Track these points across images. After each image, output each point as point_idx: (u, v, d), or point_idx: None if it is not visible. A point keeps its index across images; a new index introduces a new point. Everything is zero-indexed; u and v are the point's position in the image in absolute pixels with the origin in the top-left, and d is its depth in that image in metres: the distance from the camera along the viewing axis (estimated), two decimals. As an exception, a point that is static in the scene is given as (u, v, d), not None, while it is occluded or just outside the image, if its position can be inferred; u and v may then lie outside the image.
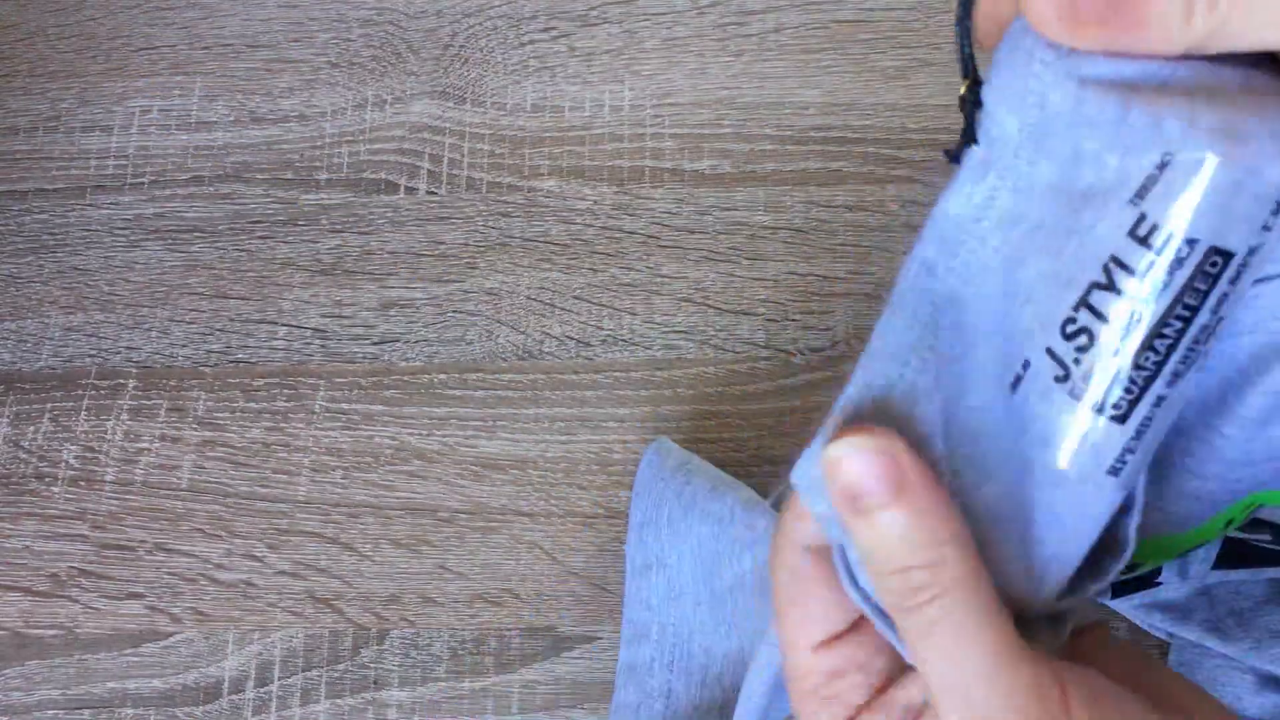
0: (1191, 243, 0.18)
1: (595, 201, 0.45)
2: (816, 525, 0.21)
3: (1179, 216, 0.18)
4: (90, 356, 0.44)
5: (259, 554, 0.40)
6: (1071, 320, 0.19)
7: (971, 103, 0.19)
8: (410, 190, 0.46)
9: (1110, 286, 0.18)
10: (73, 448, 0.42)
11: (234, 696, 0.38)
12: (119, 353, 0.44)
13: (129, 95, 0.48)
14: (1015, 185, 0.19)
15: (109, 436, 0.42)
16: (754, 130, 0.46)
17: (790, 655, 0.22)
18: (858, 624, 0.22)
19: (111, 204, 0.46)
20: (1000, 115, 0.19)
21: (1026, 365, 0.19)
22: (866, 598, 0.21)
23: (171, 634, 0.39)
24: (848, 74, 0.47)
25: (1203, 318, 0.19)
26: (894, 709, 0.21)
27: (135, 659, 0.39)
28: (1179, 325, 0.18)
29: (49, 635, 0.40)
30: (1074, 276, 0.18)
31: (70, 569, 0.40)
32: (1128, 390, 0.19)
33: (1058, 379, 0.19)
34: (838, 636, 0.22)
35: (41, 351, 0.44)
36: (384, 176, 0.46)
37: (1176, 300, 0.18)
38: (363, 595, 0.40)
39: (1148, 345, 0.18)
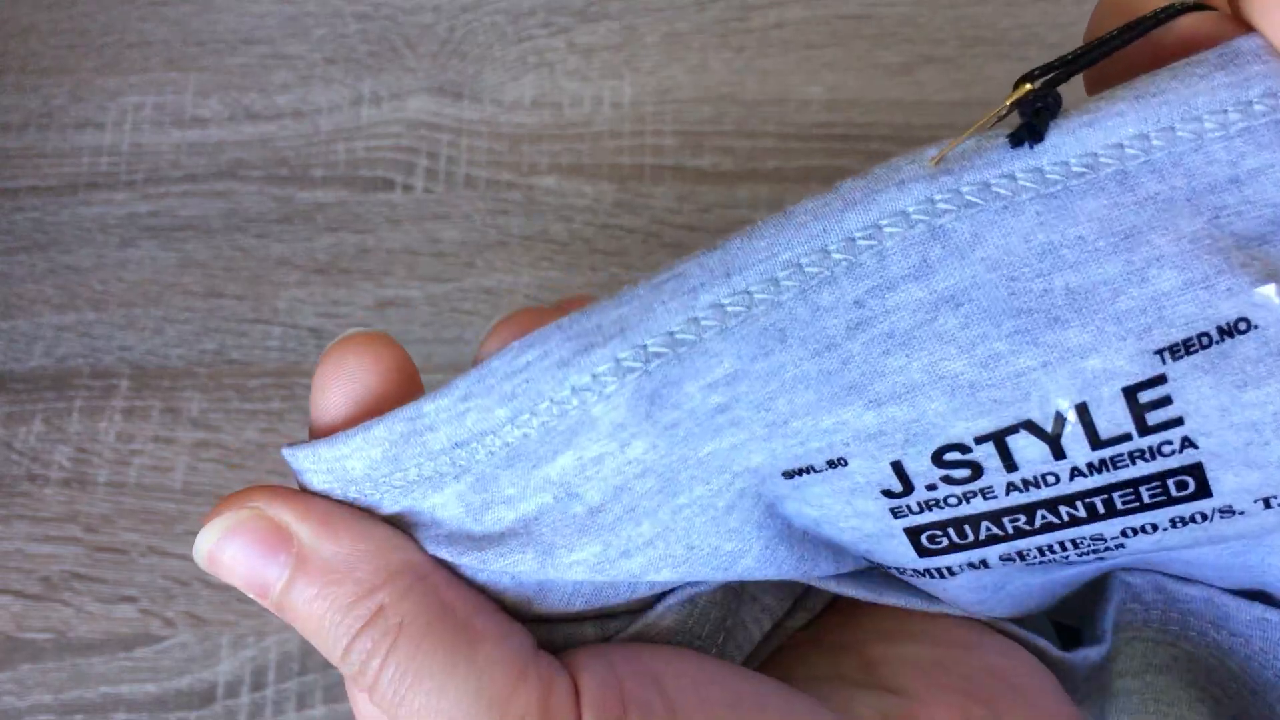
0: (1188, 445, 0.14)
1: (595, 199, 0.44)
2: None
3: (1213, 411, 0.14)
4: (83, 356, 0.43)
5: (254, 557, 0.40)
6: (961, 449, 0.15)
7: (1040, 103, 0.14)
8: (407, 188, 0.45)
9: (1048, 437, 0.14)
10: (65, 449, 0.42)
11: (228, 701, 0.38)
12: (112, 353, 0.43)
13: (122, 92, 0.48)
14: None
15: (102, 437, 0.42)
16: (756, 127, 0.45)
17: None
18: None
19: (104, 202, 0.46)
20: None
21: (840, 462, 0.16)
22: None
23: (165, 638, 0.39)
24: (851, 70, 0.46)
25: (1102, 528, 0.16)
26: None
27: (128, 663, 0.39)
28: (1080, 515, 0.15)
29: (41, 639, 0.39)
30: (1001, 402, 0.14)
31: (62, 572, 0.40)
32: (958, 534, 0.16)
33: (887, 493, 0.16)
34: None
35: (33, 351, 0.43)
36: (380, 174, 0.45)
37: (1102, 491, 0.15)
38: (359, 599, 0.39)
39: (1026, 510, 0.16)
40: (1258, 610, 0.20)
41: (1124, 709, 0.22)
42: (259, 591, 0.16)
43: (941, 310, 0.14)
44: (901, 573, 0.18)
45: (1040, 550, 0.16)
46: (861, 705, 0.18)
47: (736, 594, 0.20)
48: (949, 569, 0.17)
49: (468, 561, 0.17)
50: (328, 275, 0.44)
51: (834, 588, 0.19)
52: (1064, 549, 0.16)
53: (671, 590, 0.18)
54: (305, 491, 0.17)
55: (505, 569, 0.16)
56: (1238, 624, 0.20)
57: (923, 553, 0.17)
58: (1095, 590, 0.22)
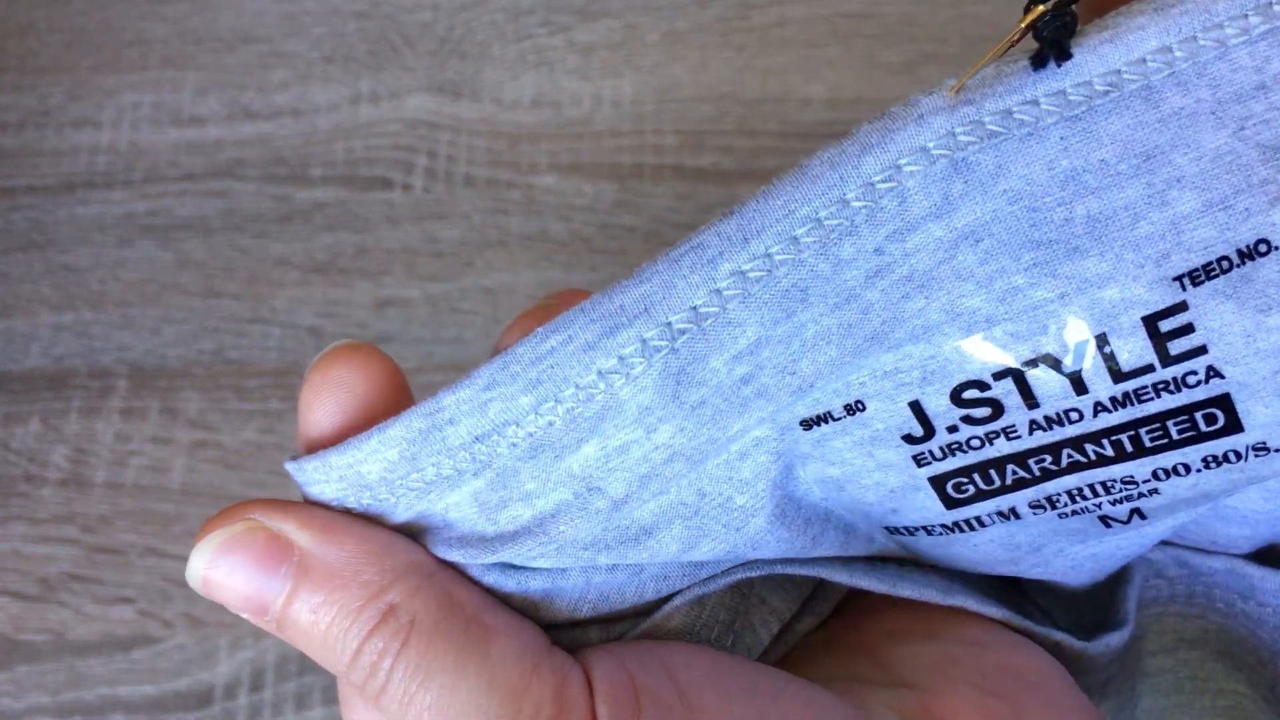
0: (1214, 374, 0.14)
1: (595, 198, 0.44)
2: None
3: (1238, 338, 0.13)
4: (80, 356, 0.43)
5: (252, 558, 0.40)
6: (980, 386, 0.15)
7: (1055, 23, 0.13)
8: (406, 187, 0.45)
9: (1068, 371, 0.14)
10: (62, 449, 0.41)
11: (227, 703, 0.38)
12: (109, 353, 0.43)
13: (120, 90, 0.48)
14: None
15: (99, 438, 0.42)
16: (757, 126, 0.45)
17: None
18: None
19: (102, 201, 0.46)
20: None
21: (858, 407, 0.15)
22: None
23: (163, 639, 0.39)
24: (852, 68, 0.46)
25: (1133, 469, 0.15)
26: None
27: (126, 664, 0.38)
28: (1109, 454, 0.15)
29: (39, 640, 0.39)
30: (1020, 335, 0.14)
31: (60, 573, 0.40)
32: (984, 480, 0.16)
33: (908, 438, 0.15)
34: None
35: (30, 351, 0.43)
36: (379, 173, 0.45)
37: (1130, 426, 0.14)
38: (358, 600, 0.39)
39: (1053, 449, 0.15)
40: None
41: (1159, 688, 0.21)
42: (256, 610, 0.16)
43: (961, 247, 0.14)
44: (930, 532, 0.17)
45: (1071, 495, 0.16)
46: (877, 701, 0.18)
47: (744, 596, 0.20)
48: (978, 520, 0.16)
49: (478, 564, 0.16)
50: (326, 275, 0.44)
51: (846, 579, 0.19)
52: (1095, 494, 0.16)
53: (679, 592, 0.18)
54: (304, 501, 0.16)
55: (515, 561, 0.16)
56: (1264, 593, 0.19)
57: (950, 504, 0.16)
58: (1114, 576, 0.22)
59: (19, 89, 0.48)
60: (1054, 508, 0.16)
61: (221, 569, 0.15)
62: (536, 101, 0.46)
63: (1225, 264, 0.13)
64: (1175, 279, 0.13)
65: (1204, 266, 0.13)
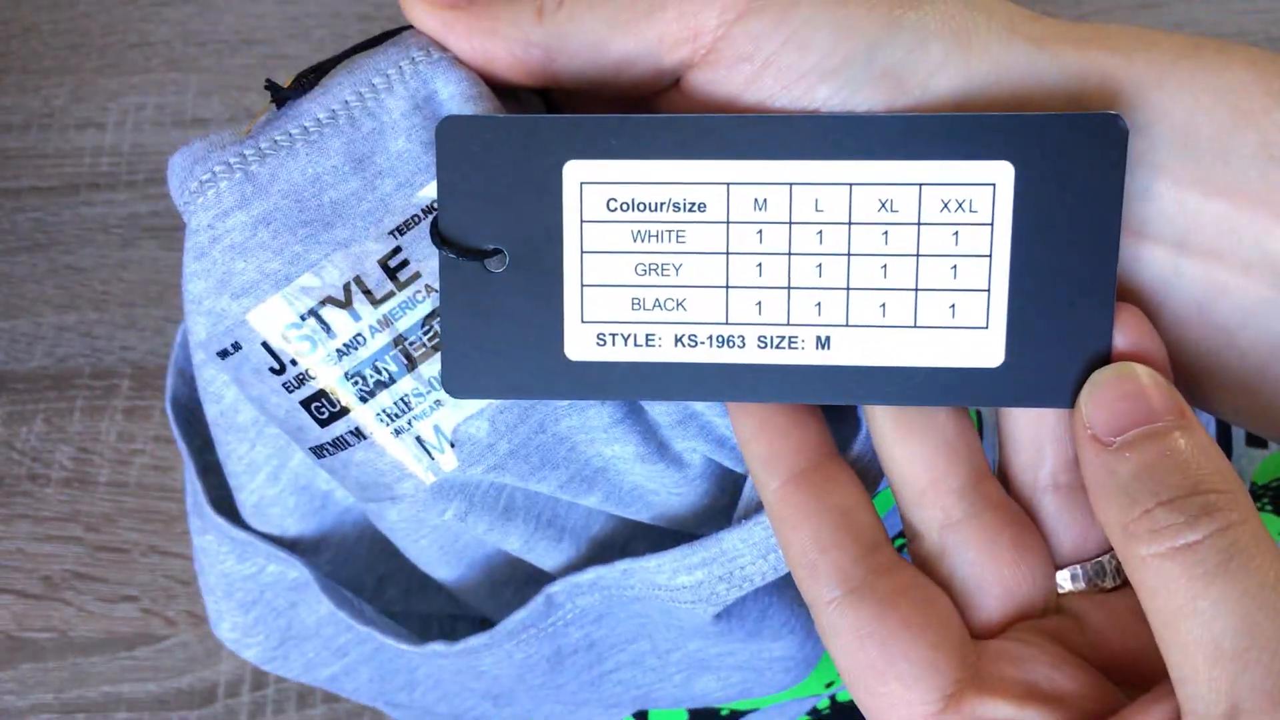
0: (430, 290, 0.20)
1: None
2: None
3: (429, 261, 0.20)
4: (84, 356, 0.43)
5: (255, 556, 0.40)
6: (296, 325, 0.21)
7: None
8: (408, 188, 0.45)
9: (345, 305, 0.21)
10: (66, 449, 0.42)
11: (229, 701, 0.38)
12: (113, 352, 0.43)
13: (123, 92, 0.48)
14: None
15: (103, 437, 0.42)
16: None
17: None
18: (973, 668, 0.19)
19: (105, 202, 0.46)
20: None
21: (238, 346, 0.21)
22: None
23: (166, 637, 0.39)
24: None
25: (415, 381, 0.21)
26: None
27: (129, 662, 0.39)
28: (393, 369, 0.21)
29: (42, 638, 0.39)
30: (306, 288, 0.20)
31: (63, 571, 0.40)
32: (329, 402, 0.21)
33: (273, 370, 0.21)
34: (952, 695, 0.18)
35: (34, 351, 0.43)
36: (381, 174, 0.45)
37: (398, 342, 0.21)
38: (360, 598, 0.39)
39: (359, 372, 0.21)
40: None
41: None
42: (1150, 413, 0.17)
43: (259, 229, 0.20)
44: (319, 455, 0.22)
45: (388, 413, 0.21)
46: None
47: None
48: (345, 439, 0.22)
49: None
50: (328, 275, 0.44)
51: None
52: (403, 407, 0.21)
53: None
54: None
55: None
56: None
57: (320, 423, 0.21)
58: None
59: (23, 90, 0.48)
60: (383, 425, 0.21)
61: (1146, 378, 0.17)
62: (537, 103, 0.46)
63: (415, 220, 0.20)
64: (390, 233, 0.20)
65: (404, 223, 0.20)
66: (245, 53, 0.48)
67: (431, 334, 0.21)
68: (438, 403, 0.21)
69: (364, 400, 0.21)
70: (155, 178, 0.46)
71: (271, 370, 0.21)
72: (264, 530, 0.25)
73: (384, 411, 0.21)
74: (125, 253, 0.45)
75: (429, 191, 0.20)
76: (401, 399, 0.21)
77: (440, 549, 0.25)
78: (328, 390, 0.21)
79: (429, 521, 0.23)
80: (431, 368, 0.21)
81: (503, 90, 0.21)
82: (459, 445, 0.21)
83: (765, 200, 0.19)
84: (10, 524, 0.41)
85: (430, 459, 0.21)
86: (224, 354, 0.21)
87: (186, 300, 0.21)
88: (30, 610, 0.39)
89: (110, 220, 0.46)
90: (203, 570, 0.26)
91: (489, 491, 0.23)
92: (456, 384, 0.20)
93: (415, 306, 0.20)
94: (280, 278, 0.20)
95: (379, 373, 0.21)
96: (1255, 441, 0.35)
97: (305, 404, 0.21)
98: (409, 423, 0.21)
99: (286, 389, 0.21)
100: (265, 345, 0.21)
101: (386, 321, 0.21)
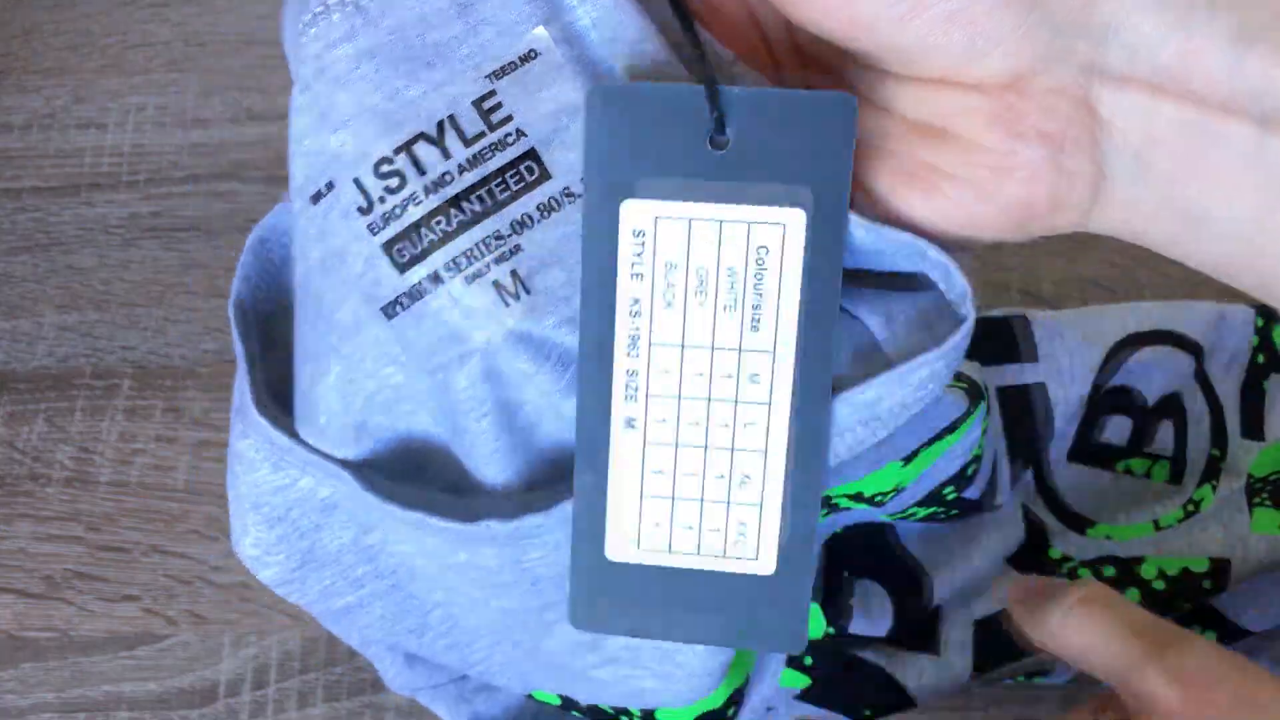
0: (521, 134, 0.21)
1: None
2: None
3: (529, 109, 0.21)
4: (85, 356, 0.43)
5: (255, 556, 0.40)
6: (388, 161, 0.21)
7: None
8: (408, 188, 0.45)
9: (438, 142, 0.21)
10: (67, 448, 0.42)
11: (230, 700, 0.38)
12: (114, 352, 0.43)
13: (124, 92, 0.48)
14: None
15: (104, 437, 0.42)
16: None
17: None
18: None
19: (107, 202, 0.46)
20: None
21: (331, 186, 0.22)
22: None
23: (167, 636, 0.39)
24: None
25: (498, 223, 0.21)
26: None
27: (130, 662, 0.39)
28: (477, 209, 0.21)
29: (43, 638, 0.39)
30: (403, 121, 0.21)
31: (65, 571, 0.40)
32: (411, 243, 0.21)
33: (360, 209, 0.21)
34: None
35: (36, 351, 0.44)
36: (382, 174, 0.46)
37: (484, 183, 0.21)
38: (360, 598, 0.39)
39: (443, 210, 0.21)
40: None
41: None
42: None
43: (363, 61, 0.21)
44: (390, 314, 0.22)
45: (468, 254, 0.21)
46: None
47: None
48: (421, 287, 0.21)
49: None
50: (329, 275, 0.44)
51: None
52: (480, 253, 0.21)
53: None
54: None
55: None
56: None
57: (400, 267, 0.21)
58: None
59: (24, 91, 0.48)
60: (459, 270, 0.21)
61: None
62: (538, 103, 0.46)
63: (512, 65, 0.21)
64: (486, 76, 0.21)
65: (502, 67, 0.21)
66: (246, 53, 0.48)
67: (518, 177, 0.21)
68: (517, 248, 0.21)
69: (445, 241, 0.21)
70: (156, 178, 0.46)
71: (359, 210, 0.21)
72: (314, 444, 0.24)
73: (463, 254, 0.21)
74: (126, 253, 0.45)
75: (527, 41, 0.21)
76: (482, 242, 0.21)
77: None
78: (411, 230, 0.21)
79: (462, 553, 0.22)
80: (514, 210, 0.21)
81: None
82: (533, 294, 0.21)
83: None
84: (11, 523, 0.41)
85: (505, 306, 0.21)
86: (317, 197, 0.22)
87: (291, 141, 0.22)
88: (31, 609, 0.40)
89: (111, 220, 0.46)
90: (234, 479, 0.26)
91: (561, 350, 0.22)
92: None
93: (506, 148, 0.21)
94: (378, 112, 0.21)
95: (463, 212, 0.21)
96: (1251, 433, 0.35)
97: (387, 246, 0.21)
98: (487, 266, 0.21)
99: (371, 230, 0.21)
100: (357, 182, 0.21)
101: (476, 160, 0.21)
